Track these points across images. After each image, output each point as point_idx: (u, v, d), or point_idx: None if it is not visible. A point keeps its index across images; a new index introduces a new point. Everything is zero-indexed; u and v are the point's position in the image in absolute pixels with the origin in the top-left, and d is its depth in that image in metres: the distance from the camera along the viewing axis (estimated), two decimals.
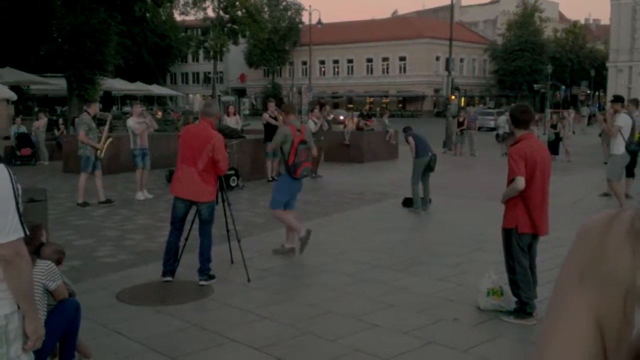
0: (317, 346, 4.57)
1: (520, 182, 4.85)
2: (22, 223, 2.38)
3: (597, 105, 52.89)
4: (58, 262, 3.95)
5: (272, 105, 14.42)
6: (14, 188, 2.37)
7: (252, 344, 4.56)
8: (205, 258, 6.08)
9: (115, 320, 5.08)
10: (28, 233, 2.43)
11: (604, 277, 0.63)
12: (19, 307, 2.45)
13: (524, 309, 5.12)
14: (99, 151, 10.67)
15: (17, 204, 2.37)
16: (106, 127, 11.35)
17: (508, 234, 5.19)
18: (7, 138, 20.36)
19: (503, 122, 22.76)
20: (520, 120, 5.19)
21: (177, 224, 6.19)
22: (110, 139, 11.18)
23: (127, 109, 38.16)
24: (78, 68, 24.12)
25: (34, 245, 3.68)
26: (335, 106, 60.07)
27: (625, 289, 0.62)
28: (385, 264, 7.00)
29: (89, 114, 10.93)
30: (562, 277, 0.68)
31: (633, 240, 0.62)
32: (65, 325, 3.79)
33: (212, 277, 6.13)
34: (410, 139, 10.43)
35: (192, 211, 6.29)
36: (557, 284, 0.69)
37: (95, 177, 10.72)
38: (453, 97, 38.04)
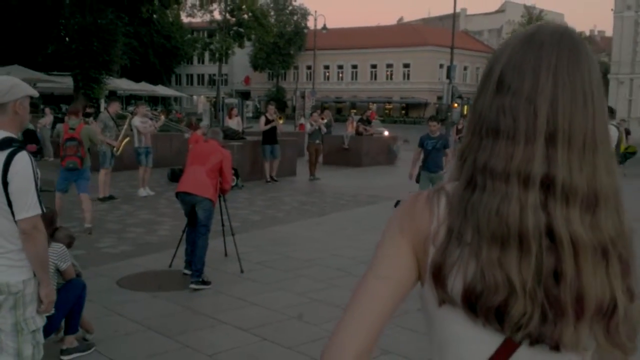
0: (301, 329, 4.95)
1: None
2: (40, 202, 2.77)
3: None
4: (69, 246, 4.36)
5: (272, 108, 14.92)
6: (34, 172, 2.76)
7: (241, 326, 4.95)
8: (198, 259, 6.02)
9: (116, 303, 5.46)
10: (45, 210, 2.82)
11: (416, 228, 1.02)
12: (34, 275, 2.83)
13: None
14: (115, 149, 11.05)
15: (36, 185, 2.76)
16: (125, 126, 11.66)
17: None
18: None
19: None
20: None
21: (191, 220, 6.39)
22: (128, 138, 11.50)
23: (131, 108, 38.73)
24: (85, 67, 24.61)
25: (51, 230, 4.07)
26: (339, 111, 60.46)
27: (426, 234, 1.01)
28: None
29: (108, 112, 11.35)
30: (386, 232, 1.06)
31: (429, 206, 1.02)
32: (72, 302, 4.18)
33: (205, 283, 6.02)
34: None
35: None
36: (383, 237, 1.06)
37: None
38: (456, 104, 38.25)
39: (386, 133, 22.35)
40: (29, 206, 2.73)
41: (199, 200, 6.21)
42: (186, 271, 6.37)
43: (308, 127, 15.89)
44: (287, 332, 4.87)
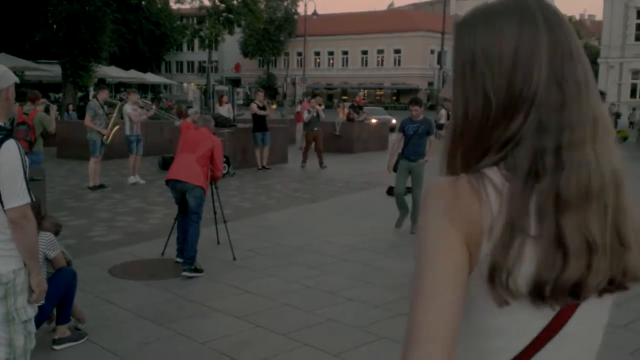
0: (294, 316, 4.96)
1: None
2: (29, 190, 2.74)
3: None
4: (56, 234, 4.33)
5: (260, 95, 14.88)
6: (22, 160, 2.73)
7: (234, 314, 4.95)
8: (190, 247, 6.00)
9: (108, 292, 5.45)
10: (34, 199, 2.79)
11: (465, 218, 0.96)
12: (25, 264, 2.81)
13: None
14: (105, 137, 10.99)
15: (24, 174, 2.73)
16: (114, 114, 11.58)
17: None
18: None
19: None
20: None
21: (182, 208, 6.35)
22: (118, 126, 11.44)
23: (120, 96, 38.47)
24: (73, 55, 24.32)
25: (37, 219, 4.03)
26: (330, 97, 60.24)
27: (478, 227, 0.96)
28: (366, 246, 7.38)
29: (97, 100, 11.28)
30: (431, 225, 0.97)
31: (477, 196, 0.96)
32: (62, 291, 4.16)
33: (198, 270, 6.00)
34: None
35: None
36: (428, 230, 0.97)
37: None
38: None
39: (394, 121, 22.05)
40: (17, 195, 2.70)
41: (189, 187, 6.18)
42: (178, 259, 6.35)
43: (305, 114, 15.79)
44: (281, 319, 4.88)
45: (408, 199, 8.34)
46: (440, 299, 0.93)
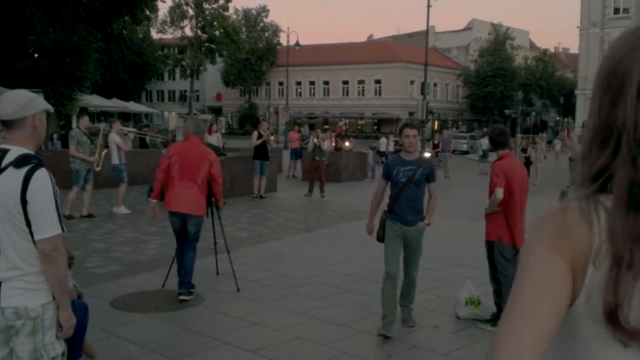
0: (308, 350, 4.84)
1: (499, 193, 5.21)
2: (60, 221, 2.64)
3: (554, 132, 55.65)
4: (69, 266, 4.17)
5: (265, 124, 15.39)
6: (54, 190, 2.63)
7: (247, 347, 4.81)
8: (187, 270, 6.03)
9: (113, 325, 5.27)
10: (65, 230, 2.69)
11: (572, 245, 0.93)
12: (53, 298, 2.69)
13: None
14: (95, 163, 10.84)
15: (56, 203, 2.63)
16: (99, 139, 11.46)
17: (491, 247, 5.52)
18: None
19: (485, 144, 23.20)
20: (498, 142, 5.63)
21: (180, 237, 6.28)
22: (106, 151, 11.33)
23: (101, 125, 37.99)
24: (57, 84, 24.14)
25: None
26: (311, 127, 60.59)
27: (585, 253, 0.92)
28: (368, 276, 7.28)
29: (79, 128, 11.15)
30: (533, 252, 0.96)
31: (586, 219, 0.93)
32: (76, 326, 3.99)
33: (191, 293, 6.08)
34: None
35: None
36: (528, 258, 0.96)
37: (85, 190, 10.92)
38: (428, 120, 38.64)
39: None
40: (49, 226, 2.60)
41: (192, 217, 6.16)
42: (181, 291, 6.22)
43: (310, 144, 16.05)
44: (295, 353, 4.76)
45: None
46: (526, 341, 0.92)
